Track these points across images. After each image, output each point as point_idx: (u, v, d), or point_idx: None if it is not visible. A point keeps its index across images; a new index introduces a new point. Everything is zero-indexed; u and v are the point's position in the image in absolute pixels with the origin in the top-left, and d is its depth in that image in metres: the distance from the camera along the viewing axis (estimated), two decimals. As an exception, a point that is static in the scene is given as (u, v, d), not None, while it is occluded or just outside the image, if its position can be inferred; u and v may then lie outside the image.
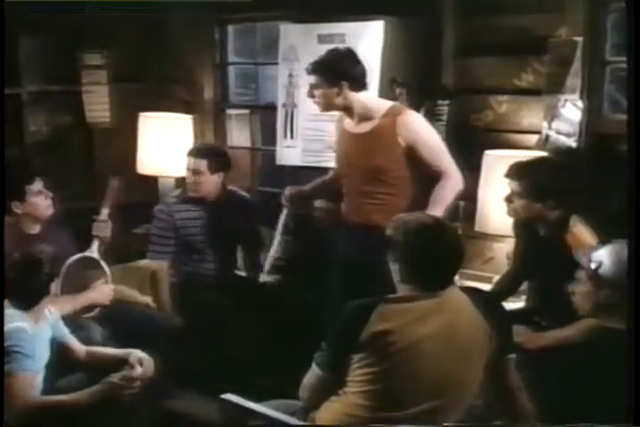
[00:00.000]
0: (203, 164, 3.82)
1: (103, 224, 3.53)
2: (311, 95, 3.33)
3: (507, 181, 3.10)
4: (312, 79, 3.30)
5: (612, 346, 2.39)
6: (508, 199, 3.11)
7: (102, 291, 3.39)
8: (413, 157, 3.22)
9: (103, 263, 3.48)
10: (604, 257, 2.50)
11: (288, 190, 3.62)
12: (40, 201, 3.37)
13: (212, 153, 3.91)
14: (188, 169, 3.86)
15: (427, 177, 3.25)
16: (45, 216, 3.42)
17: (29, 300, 2.79)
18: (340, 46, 3.40)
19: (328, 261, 3.49)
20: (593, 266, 2.51)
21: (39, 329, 2.82)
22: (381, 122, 3.26)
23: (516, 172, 3.05)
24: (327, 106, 3.34)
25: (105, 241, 3.54)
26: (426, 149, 3.22)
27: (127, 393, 2.75)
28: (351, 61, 3.29)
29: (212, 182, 3.85)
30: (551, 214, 3.03)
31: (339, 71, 3.25)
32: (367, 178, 3.28)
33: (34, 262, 2.81)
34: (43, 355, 2.82)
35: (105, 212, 3.56)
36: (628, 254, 2.43)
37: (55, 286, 3.05)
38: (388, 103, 3.37)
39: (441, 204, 3.17)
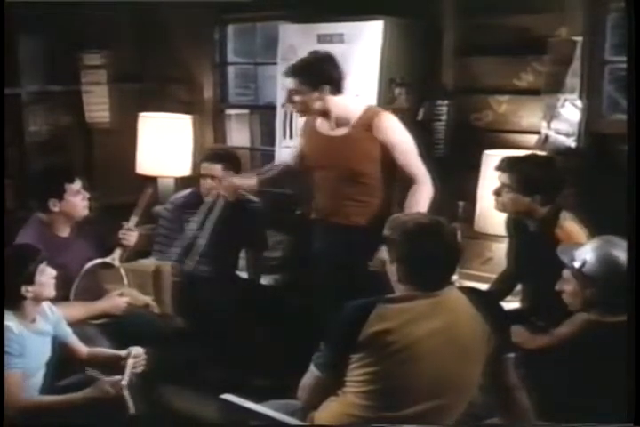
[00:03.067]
0: (219, 168, 3.83)
1: (130, 232, 3.49)
2: (291, 101, 3.32)
3: (497, 173, 3.13)
4: (291, 84, 3.28)
5: (605, 339, 2.42)
6: (497, 192, 3.13)
7: (116, 303, 3.39)
8: (389, 159, 3.23)
9: (122, 271, 3.48)
10: (587, 255, 2.52)
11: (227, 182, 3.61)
12: (78, 201, 3.35)
13: (226, 157, 3.92)
14: (205, 175, 3.85)
15: (400, 178, 3.28)
16: (80, 217, 3.39)
17: (13, 298, 2.77)
18: (319, 50, 3.38)
19: (312, 261, 3.51)
20: (577, 265, 2.53)
21: (34, 327, 2.82)
22: (358, 125, 3.27)
23: (507, 165, 3.09)
24: (306, 110, 3.33)
25: (128, 249, 3.53)
26: (399, 152, 3.23)
27: (117, 397, 2.72)
28: (331, 65, 3.29)
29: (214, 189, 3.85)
30: (540, 210, 3.05)
31: (320, 74, 3.24)
32: (346, 180, 3.29)
33: (16, 261, 2.79)
34: (38, 353, 2.81)
35: (134, 220, 3.52)
36: (628, 254, 2.44)
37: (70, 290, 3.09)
38: (363, 105, 3.36)
39: (415, 210, 3.13)
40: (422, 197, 3.22)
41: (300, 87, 3.25)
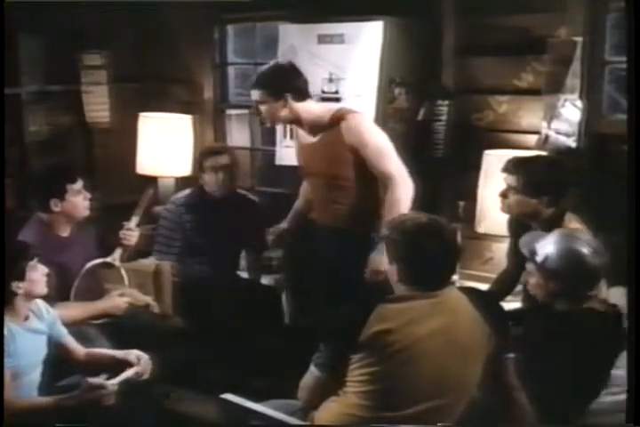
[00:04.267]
0: (226, 159, 3.86)
1: (131, 233, 3.51)
2: (257, 112, 3.36)
3: (503, 175, 3.12)
4: (255, 95, 3.32)
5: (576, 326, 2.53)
6: (503, 194, 3.13)
7: (116, 303, 3.38)
8: (360, 160, 3.23)
9: (123, 271, 3.49)
10: (548, 250, 2.59)
11: (272, 234, 3.66)
12: (79, 201, 3.36)
13: (228, 150, 4.01)
14: (215, 166, 3.84)
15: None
16: (81, 217, 3.41)
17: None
18: (281, 60, 3.43)
19: (310, 264, 3.52)
20: (539, 259, 2.60)
21: (27, 326, 2.81)
22: (328, 129, 3.28)
23: (514, 166, 3.09)
24: (274, 120, 3.37)
25: (129, 249, 3.54)
26: (370, 152, 3.21)
27: (105, 398, 2.70)
28: (293, 73, 3.33)
29: (233, 179, 3.89)
30: (545, 211, 3.05)
31: (282, 84, 3.28)
32: (328, 185, 3.33)
33: (7, 257, 2.76)
34: (32, 351, 2.80)
35: (135, 220, 3.54)
36: (627, 255, 2.44)
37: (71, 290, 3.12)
38: (332, 109, 3.36)
39: (394, 212, 3.03)
40: (399, 198, 3.16)
41: (264, 98, 3.30)
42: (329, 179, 3.32)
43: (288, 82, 3.29)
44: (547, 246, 2.60)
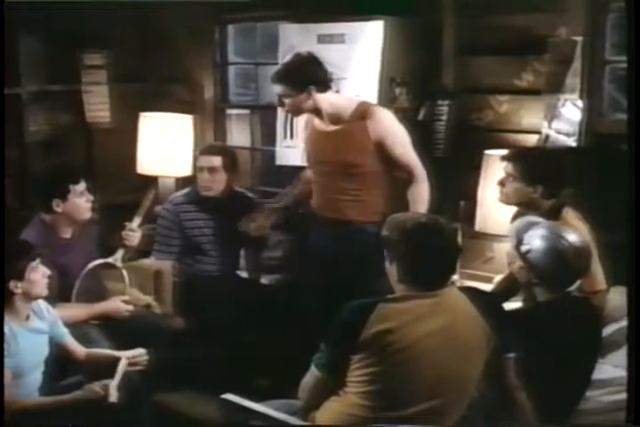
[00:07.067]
0: (217, 160, 3.85)
1: (133, 233, 3.52)
2: (281, 104, 3.40)
3: (503, 164, 3.16)
4: (278, 89, 3.33)
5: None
6: (501, 182, 3.16)
7: (118, 308, 3.39)
8: (384, 152, 3.29)
9: (124, 272, 3.49)
10: (534, 243, 2.63)
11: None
12: (81, 202, 3.37)
13: (224, 151, 3.98)
14: (203, 167, 3.86)
15: (397, 171, 3.34)
16: (83, 219, 3.41)
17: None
18: (302, 51, 3.41)
19: (310, 259, 3.52)
20: (523, 249, 2.65)
21: (28, 325, 2.82)
22: (351, 119, 3.31)
23: (513, 155, 3.15)
24: (298, 111, 3.41)
25: (130, 250, 3.55)
26: (395, 145, 3.30)
27: (106, 400, 2.71)
28: (315, 64, 3.33)
29: (223, 181, 3.88)
30: (543, 203, 3.07)
31: (305, 76, 3.29)
32: (340, 174, 3.34)
33: (7, 256, 2.76)
34: (33, 351, 2.81)
35: (137, 220, 3.55)
36: (627, 256, 2.45)
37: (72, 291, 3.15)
38: (355, 101, 3.41)
39: (423, 203, 3.26)
40: (423, 189, 3.30)
41: (287, 91, 3.31)
42: (342, 168, 3.32)
43: (310, 74, 3.30)
44: (534, 239, 2.64)
